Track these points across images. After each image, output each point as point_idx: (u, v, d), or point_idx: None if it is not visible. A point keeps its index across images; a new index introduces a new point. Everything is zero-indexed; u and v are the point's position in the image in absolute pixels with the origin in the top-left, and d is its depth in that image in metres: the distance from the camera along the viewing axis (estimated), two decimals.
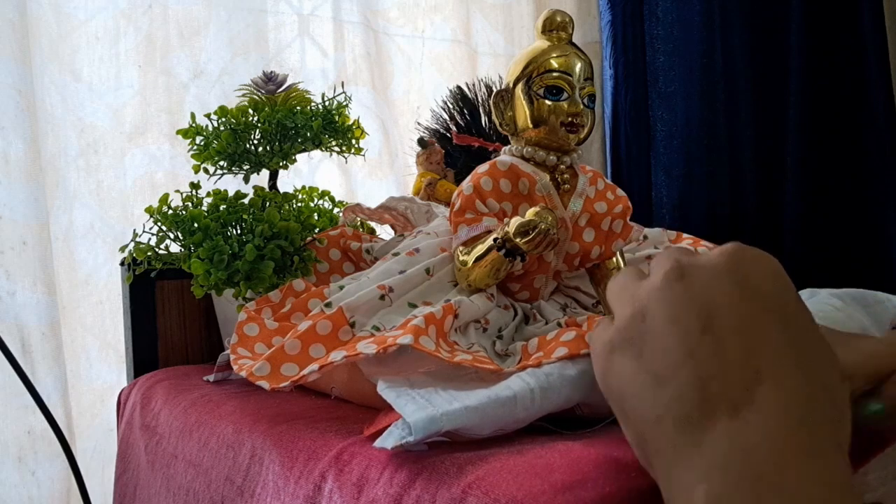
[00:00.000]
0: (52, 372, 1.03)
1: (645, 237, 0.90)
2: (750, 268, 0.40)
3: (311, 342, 0.62)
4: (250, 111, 0.90)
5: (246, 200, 0.87)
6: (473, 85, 1.31)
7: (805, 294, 0.81)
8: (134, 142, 1.18)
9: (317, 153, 0.95)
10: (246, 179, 0.91)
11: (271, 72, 0.93)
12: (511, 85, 0.74)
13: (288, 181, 1.12)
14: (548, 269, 0.74)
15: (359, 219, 1.00)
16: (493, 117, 0.75)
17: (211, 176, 0.91)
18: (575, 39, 0.74)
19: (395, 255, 0.74)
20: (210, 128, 0.90)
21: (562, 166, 0.73)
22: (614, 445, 0.47)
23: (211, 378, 0.82)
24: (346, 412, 0.63)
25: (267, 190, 0.92)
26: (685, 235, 0.92)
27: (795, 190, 1.30)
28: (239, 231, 0.83)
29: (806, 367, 0.36)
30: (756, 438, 0.33)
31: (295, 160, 0.92)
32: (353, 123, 0.94)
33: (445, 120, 1.29)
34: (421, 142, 1.16)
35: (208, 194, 0.88)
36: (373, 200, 0.99)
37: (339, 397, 0.68)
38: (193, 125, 0.91)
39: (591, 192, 0.75)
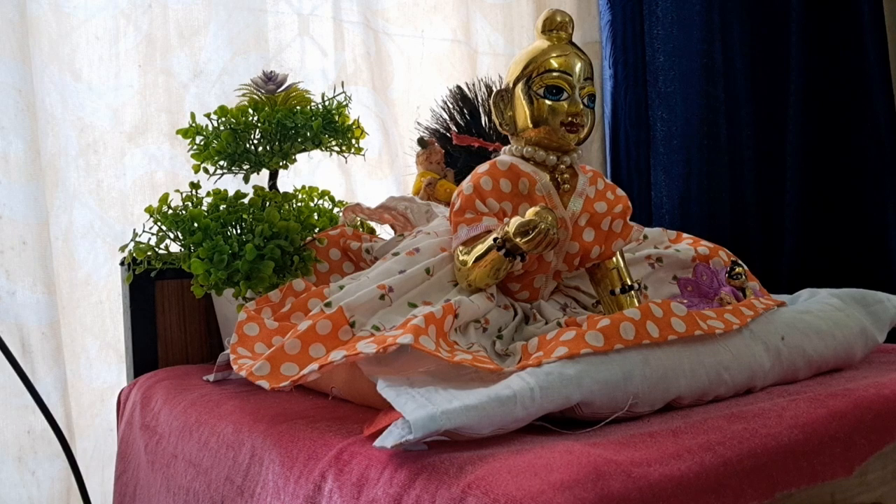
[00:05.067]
0: (52, 372, 1.03)
1: (645, 237, 0.90)
2: None
3: (311, 342, 0.62)
4: (250, 111, 0.90)
5: (246, 200, 0.87)
6: (473, 85, 1.31)
7: (805, 294, 0.81)
8: (134, 142, 1.18)
9: (317, 153, 0.95)
10: (246, 179, 0.91)
11: (271, 71, 0.93)
12: (511, 85, 0.74)
13: (288, 181, 1.11)
14: (548, 268, 0.74)
15: (359, 219, 1.00)
16: (493, 117, 0.75)
17: (211, 176, 0.91)
18: (575, 39, 0.75)
19: (395, 254, 0.74)
20: (210, 128, 0.90)
21: (562, 166, 0.73)
22: (614, 445, 0.47)
23: (211, 378, 0.82)
24: (346, 412, 0.63)
25: (267, 190, 0.92)
26: (685, 235, 0.92)
27: (795, 190, 1.30)
28: (239, 231, 0.83)
29: None
30: None
31: (295, 160, 0.92)
32: (353, 123, 0.94)
33: (445, 120, 1.29)
34: (421, 142, 1.16)
35: (208, 194, 0.88)
36: (373, 200, 0.98)
37: (338, 397, 0.68)
38: (193, 125, 0.91)
39: (591, 192, 0.75)
